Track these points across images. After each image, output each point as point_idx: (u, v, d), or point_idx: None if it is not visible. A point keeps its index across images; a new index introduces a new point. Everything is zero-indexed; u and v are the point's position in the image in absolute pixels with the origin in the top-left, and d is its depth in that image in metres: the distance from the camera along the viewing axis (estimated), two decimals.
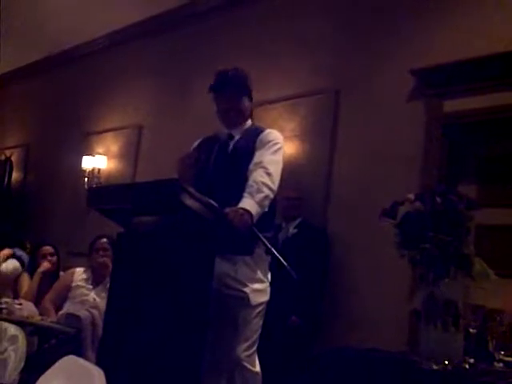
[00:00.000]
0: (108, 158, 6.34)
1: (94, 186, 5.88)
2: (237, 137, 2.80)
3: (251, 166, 2.64)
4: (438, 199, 1.61)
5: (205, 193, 2.35)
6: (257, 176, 2.57)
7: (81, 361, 1.66)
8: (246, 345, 2.59)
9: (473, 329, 1.96)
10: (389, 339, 3.37)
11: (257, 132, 2.78)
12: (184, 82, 5.66)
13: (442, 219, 1.56)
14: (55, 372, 1.57)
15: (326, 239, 4.14)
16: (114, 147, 6.35)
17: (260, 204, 2.49)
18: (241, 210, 2.42)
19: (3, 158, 7.61)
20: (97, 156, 6.33)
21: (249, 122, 2.88)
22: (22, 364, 1.64)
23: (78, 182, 6.31)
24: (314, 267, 3.88)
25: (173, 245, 2.32)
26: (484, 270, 1.86)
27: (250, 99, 2.87)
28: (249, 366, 2.60)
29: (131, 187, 2.71)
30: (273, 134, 2.77)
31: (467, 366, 1.80)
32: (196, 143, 2.91)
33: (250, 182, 2.56)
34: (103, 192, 2.76)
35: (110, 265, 3.84)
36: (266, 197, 2.53)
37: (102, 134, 6.50)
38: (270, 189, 2.56)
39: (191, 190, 2.32)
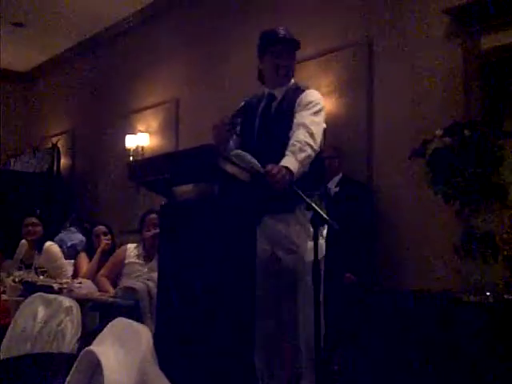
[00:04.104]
0: (150, 135, 6.40)
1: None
2: (279, 97, 2.81)
3: (293, 127, 2.64)
4: (467, 132, 1.56)
5: (252, 154, 2.39)
6: (299, 135, 2.58)
7: (129, 322, 1.73)
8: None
9: None
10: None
11: (297, 92, 2.77)
12: (217, 51, 5.64)
13: (472, 151, 1.52)
14: (106, 334, 1.64)
15: (369, 193, 4.10)
16: (155, 123, 6.41)
17: (302, 163, 2.51)
18: (281, 167, 2.43)
19: (50, 145, 7.76)
20: (139, 134, 6.41)
21: (292, 81, 2.87)
22: (79, 333, 1.71)
23: (124, 161, 6.41)
24: (361, 222, 3.85)
25: (214, 211, 2.33)
26: None
27: None
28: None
29: (169, 157, 2.73)
30: (313, 95, 2.76)
31: (510, 297, 1.76)
32: (242, 103, 2.92)
33: (293, 141, 2.57)
34: (142, 165, 2.80)
35: None
36: (309, 156, 2.55)
37: (142, 112, 6.56)
38: (313, 148, 2.57)
39: (227, 154, 2.33)
